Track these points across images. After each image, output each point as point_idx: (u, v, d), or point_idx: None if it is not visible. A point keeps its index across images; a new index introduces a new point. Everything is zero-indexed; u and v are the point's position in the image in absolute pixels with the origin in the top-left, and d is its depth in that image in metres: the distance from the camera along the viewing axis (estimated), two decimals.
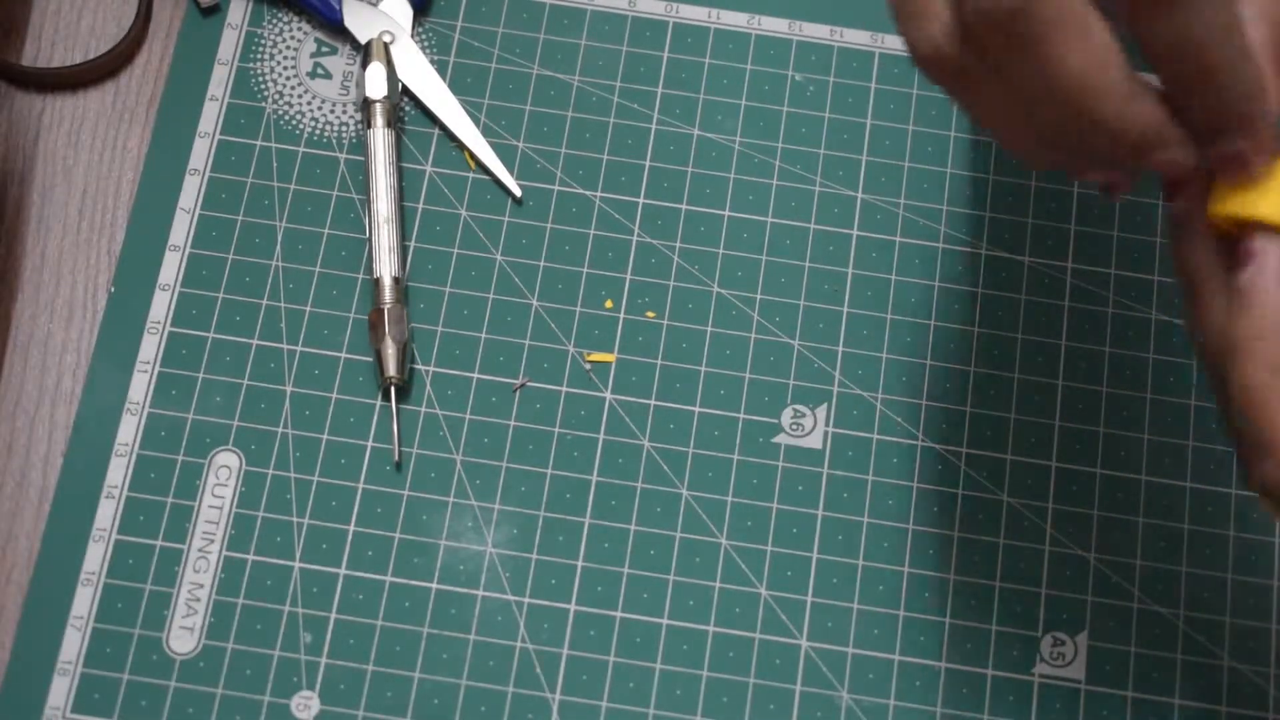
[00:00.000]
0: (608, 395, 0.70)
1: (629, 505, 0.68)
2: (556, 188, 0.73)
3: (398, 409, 0.69)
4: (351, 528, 0.68)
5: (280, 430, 0.69)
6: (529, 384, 0.70)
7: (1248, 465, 0.53)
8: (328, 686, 0.66)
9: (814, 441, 0.69)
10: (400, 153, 0.73)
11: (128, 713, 0.65)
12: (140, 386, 0.70)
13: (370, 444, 0.69)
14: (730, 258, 0.72)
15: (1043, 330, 0.71)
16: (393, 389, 0.69)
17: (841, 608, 0.67)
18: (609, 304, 0.71)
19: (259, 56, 0.75)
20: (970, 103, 0.54)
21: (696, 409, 0.69)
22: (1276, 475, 0.52)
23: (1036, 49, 0.51)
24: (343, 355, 0.70)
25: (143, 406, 0.69)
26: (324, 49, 0.76)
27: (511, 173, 0.73)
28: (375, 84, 0.73)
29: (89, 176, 0.73)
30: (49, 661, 0.66)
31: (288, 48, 0.75)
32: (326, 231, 0.72)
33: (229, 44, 0.75)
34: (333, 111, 0.74)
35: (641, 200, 0.73)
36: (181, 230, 0.72)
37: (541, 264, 0.72)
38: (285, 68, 0.75)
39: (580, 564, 0.68)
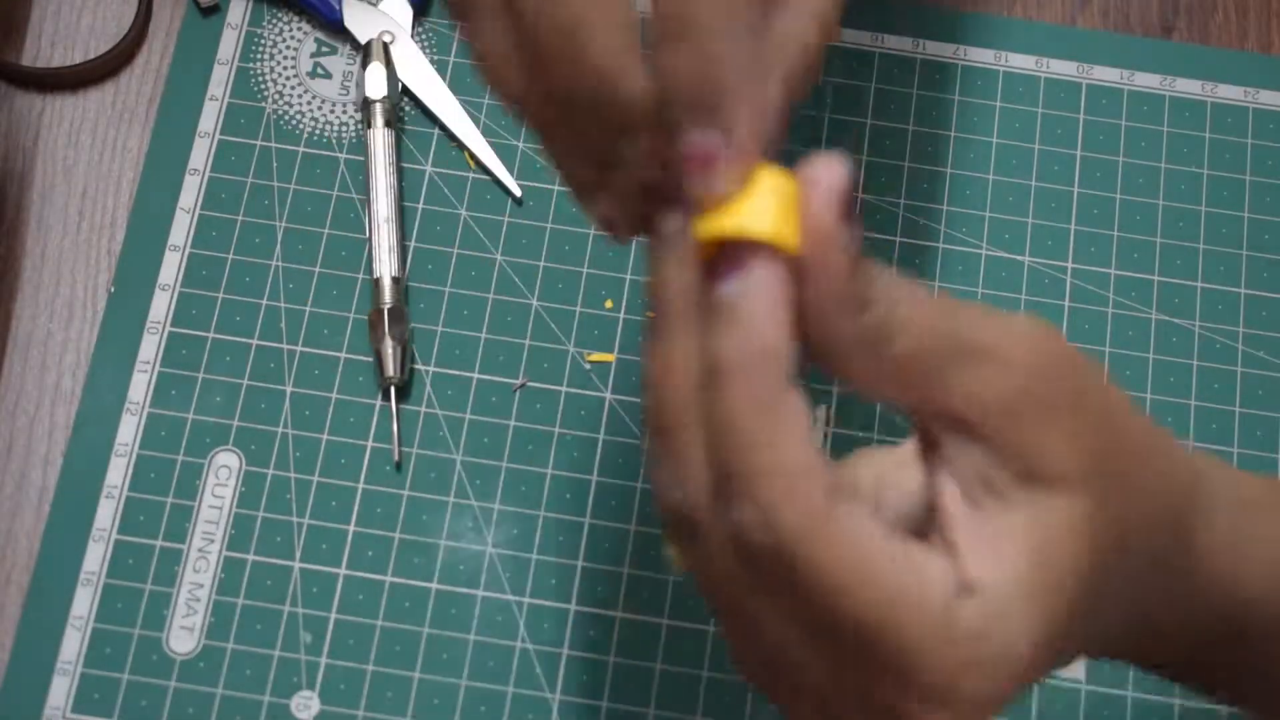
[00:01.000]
0: (608, 395, 0.70)
1: (629, 505, 0.68)
2: (556, 188, 0.73)
3: (398, 409, 0.69)
4: (351, 528, 0.68)
5: (280, 430, 0.69)
6: (529, 384, 0.70)
7: (688, 508, 0.45)
8: (328, 686, 0.66)
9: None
10: (400, 153, 0.73)
11: (128, 713, 0.65)
12: (140, 386, 0.70)
13: (370, 444, 0.69)
14: None
15: None
16: (393, 389, 0.69)
17: None
18: (609, 304, 0.71)
19: (259, 56, 0.75)
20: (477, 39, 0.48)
21: None
22: (756, 518, 0.43)
23: None
24: (343, 355, 0.70)
25: (143, 406, 0.69)
26: (324, 49, 0.75)
27: (511, 173, 0.73)
28: (375, 84, 0.73)
29: (89, 176, 0.73)
30: (49, 661, 0.66)
31: (288, 48, 0.75)
32: (326, 231, 0.72)
33: (229, 44, 0.75)
34: (333, 111, 0.74)
35: None
36: (181, 230, 0.72)
37: (541, 264, 0.72)
38: (285, 68, 0.75)
39: (580, 564, 0.68)
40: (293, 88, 0.75)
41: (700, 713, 0.66)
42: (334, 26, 0.75)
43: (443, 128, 0.74)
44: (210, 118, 0.74)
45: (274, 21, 0.76)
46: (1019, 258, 0.72)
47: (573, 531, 0.68)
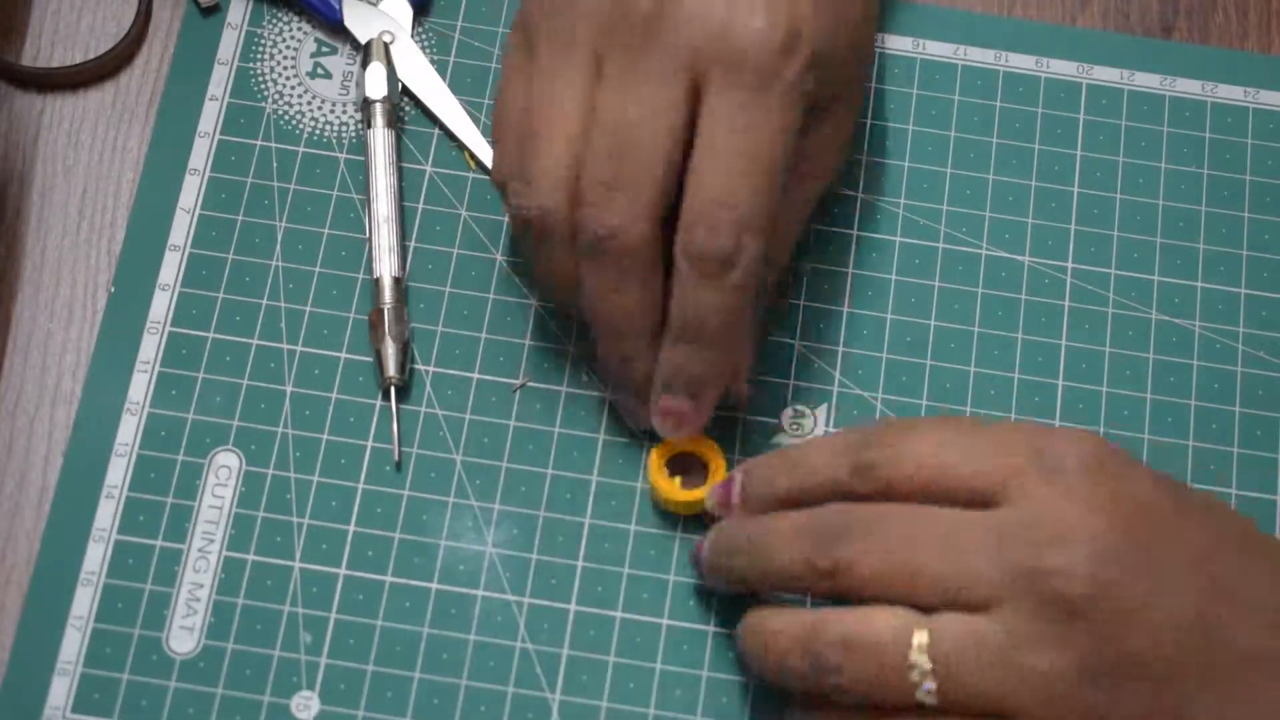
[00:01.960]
0: (608, 395, 0.70)
1: (629, 506, 0.68)
2: None
3: (398, 409, 0.69)
4: (351, 528, 0.68)
5: (280, 430, 0.69)
6: (529, 384, 0.70)
7: None
8: (328, 686, 0.66)
9: None
10: (400, 153, 0.73)
11: (128, 713, 0.65)
12: (140, 386, 0.70)
13: (370, 444, 0.69)
14: None
15: (1043, 330, 0.71)
16: (393, 389, 0.69)
17: None
18: None
19: (259, 56, 0.75)
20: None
21: None
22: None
23: (607, 275, 0.64)
24: (343, 355, 0.70)
25: (143, 406, 0.69)
26: (324, 49, 0.75)
27: None
28: (375, 84, 0.73)
29: (89, 176, 0.73)
30: (49, 661, 0.66)
31: (288, 48, 0.75)
32: (326, 231, 0.72)
33: (229, 44, 0.75)
34: (333, 111, 0.74)
35: None
36: (181, 230, 0.72)
37: None
38: (285, 68, 0.75)
39: (580, 564, 0.68)
40: (293, 88, 0.75)
41: (700, 713, 0.66)
42: (334, 26, 0.75)
43: (443, 128, 0.74)
44: (210, 118, 0.74)
45: (274, 21, 0.76)
46: (1019, 258, 0.72)
47: (573, 531, 0.68)
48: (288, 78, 0.75)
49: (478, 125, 0.74)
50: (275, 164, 0.73)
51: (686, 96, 0.63)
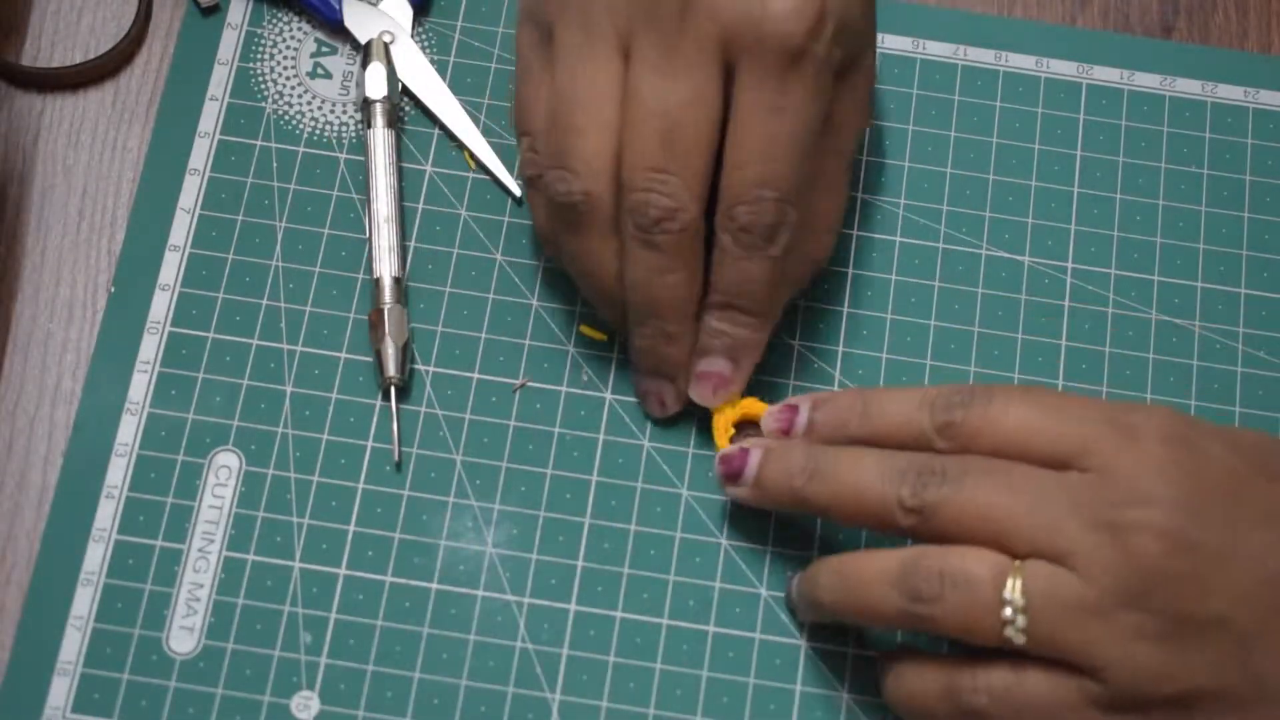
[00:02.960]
0: (608, 395, 0.70)
1: (629, 505, 0.68)
2: None
3: (398, 409, 0.69)
4: (351, 528, 0.68)
5: (280, 430, 0.69)
6: (529, 384, 0.70)
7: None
8: (328, 686, 0.66)
9: None
10: (400, 153, 0.73)
11: (128, 713, 0.65)
12: (140, 386, 0.70)
13: (370, 444, 0.69)
14: None
15: (1043, 330, 0.71)
16: (393, 389, 0.69)
17: None
18: None
19: (259, 56, 0.75)
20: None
21: (697, 409, 0.69)
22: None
23: (655, 257, 0.65)
24: (343, 355, 0.70)
25: (143, 406, 0.69)
26: (324, 49, 0.75)
27: (511, 173, 0.73)
28: (375, 84, 0.73)
29: (89, 176, 0.73)
30: (49, 661, 0.66)
31: (288, 48, 0.75)
32: (326, 231, 0.72)
33: (229, 44, 0.75)
34: (333, 111, 0.74)
35: None
36: (181, 230, 0.72)
37: (541, 264, 0.72)
38: (285, 68, 0.75)
39: (580, 564, 0.68)
40: (293, 88, 0.75)
41: (700, 713, 0.66)
42: (334, 26, 0.75)
43: (443, 128, 0.74)
44: (210, 118, 0.74)
45: (274, 21, 0.76)
46: (1019, 258, 0.72)
47: (573, 531, 0.68)
48: (288, 78, 0.75)
49: (478, 125, 0.74)
50: (275, 164, 0.73)
51: (720, 77, 0.64)
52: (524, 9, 0.68)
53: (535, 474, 0.69)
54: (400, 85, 0.74)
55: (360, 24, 0.75)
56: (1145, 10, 0.77)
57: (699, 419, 0.69)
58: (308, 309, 0.71)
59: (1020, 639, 0.59)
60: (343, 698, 0.66)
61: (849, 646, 0.67)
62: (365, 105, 0.73)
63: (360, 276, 0.72)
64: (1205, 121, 0.75)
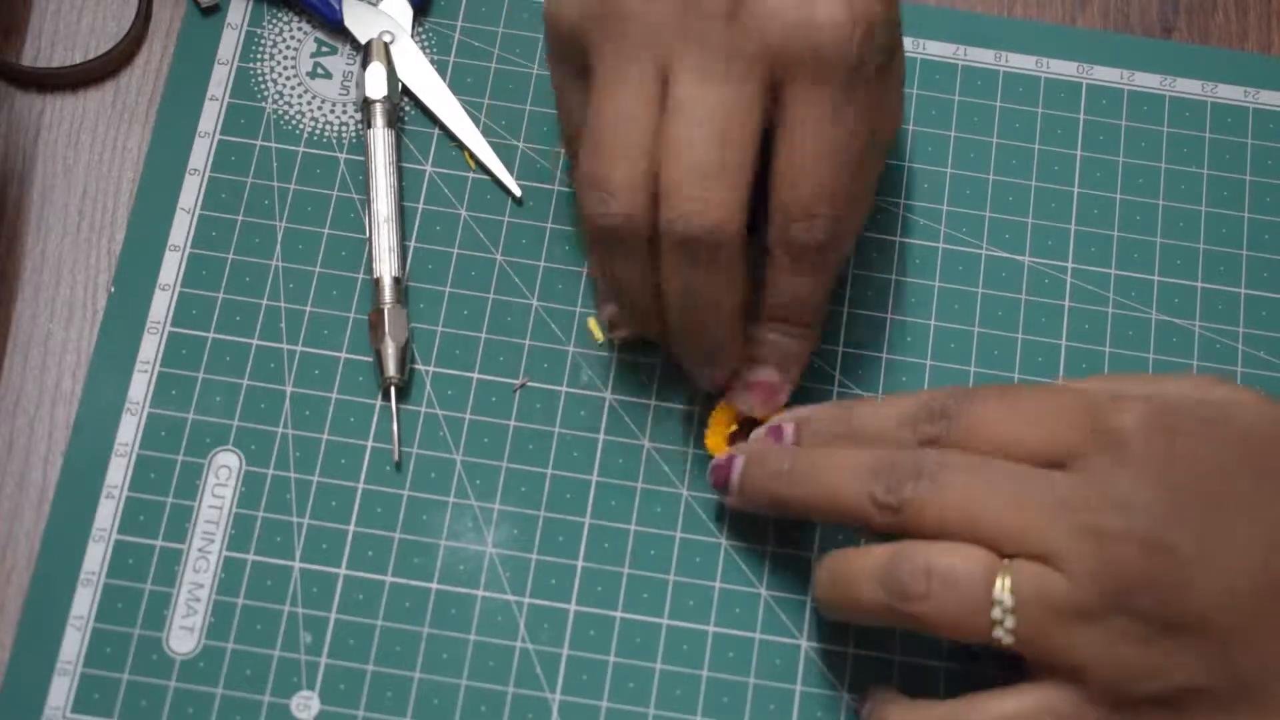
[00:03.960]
0: (608, 395, 0.70)
1: (629, 505, 0.68)
2: (556, 187, 0.73)
3: (398, 409, 0.69)
4: (351, 528, 0.68)
5: (280, 430, 0.69)
6: (529, 384, 0.70)
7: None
8: (328, 686, 0.66)
9: None
10: (400, 153, 0.73)
11: (128, 713, 0.65)
12: (140, 386, 0.70)
13: (370, 444, 0.69)
14: None
15: (1043, 330, 0.71)
16: (393, 389, 0.69)
17: None
18: None
19: (259, 56, 0.75)
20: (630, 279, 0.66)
21: (697, 409, 0.69)
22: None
23: (701, 271, 0.64)
24: (343, 355, 0.70)
25: (143, 406, 0.69)
26: (324, 49, 0.75)
27: (511, 173, 0.73)
28: (375, 84, 0.73)
29: (89, 176, 0.73)
30: (49, 661, 0.66)
31: (288, 48, 0.75)
32: (326, 231, 0.72)
33: (229, 44, 0.75)
34: (333, 111, 0.74)
35: None
36: (181, 230, 0.72)
37: (541, 264, 0.72)
38: (285, 68, 0.75)
39: (580, 564, 0.68)
40: (293, 88, 0.75)
41: (700, 713, 0.66)
42: (334, 26, 0.75)
43: (443, 128, 0.74)
44: (210, 118, 0.74)
45: (274, 21, 0.76)
46: (1019, 258, 0.72)
47: (573, 531, 0.68)
48: (288, 78, 0.75)
49: (478, 125, 0.74)
50: (275, 164, 0.73)
51: (764, 90, 0.63)
52: (553, 29, 0.67)
53: (535, 474, 0.69)
54: (400, 85, 0.74)
55: (360, 24, 0.75)
56: (1145, 10, 0.77)
57: (699, 419, 0.69)
58: (308, 309, 0.71)
59: (1009, 639, 0.59)
60: (343, 698, 0.66)
61: (849, 646, 0.67)
62: (365, 105, 0.73)
63: (360, 276, 0.72)
64: (1205, 121, 0.75)
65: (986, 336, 0.71)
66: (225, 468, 0.69)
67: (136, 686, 0.66)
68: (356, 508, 0.68)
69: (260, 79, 0.75)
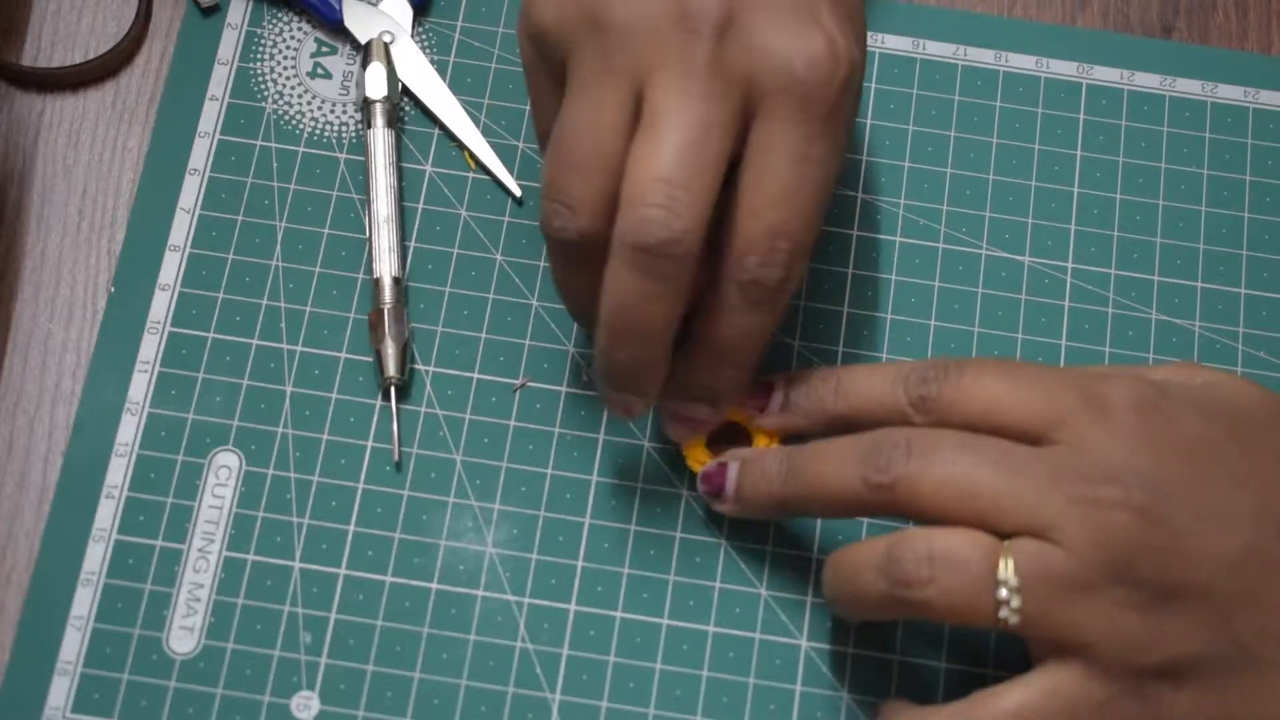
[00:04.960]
0: (602, 388, 0.70)
1: (629, 505, 0.68)
2: None
3: (398, 409, 0.69)
4: (351, 528, 0.68)
5: (280, 430, 0.69)
6: (529, 384, 0.70)
7: None
8: (328, 686, 0.66)
9: None
10: (400, 153, 0.73)
11: (128, 713, 0.65)
12: (140, 386, 0.70)
13: (370, 444, 0.69)
14: None
15: (1043, 330, 0.71)
16: (393, 389, 0.69)
17: None
18: None
19: (259, 56, 0.75)
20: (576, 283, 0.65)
21: None
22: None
23: (646, 283, 0.62)
24: (343, 355, 0.70)
25: (143, 406, 0.69)
26: (324, 49, 0.76)
27: (511, 173, 0.73)
28: (375, 84, 0.73)
29: (89, 176, 0.73)
30: (49, 661, 0.66)
31: (288, 48, 0.75)
32: (326, 231, 0.72)
33: (229, 44, 0.75)
34: (333, 111, 0.74)
35: None
36: (181, 230, 0.72)
37: (541, 264, 0.72)
38: (285, 68, 0.75)
39: (580, 564, 0.68)
40: (293, 88, 0.75)
41: (700, 713, 0.66)
42: (334, 26, 0.75)
43: (443, 128, 0.74)
44: (210, 118, 0.74)
45: (274, 21, 0.76)
46: (1019, 258, 0.72)
47: (573, 531, 0.68)
48: (288, 78, 0.75)
49: (478, 125, 0.74)
50: (275, 164, 0.73)
51: (739, 116, 0.62)
52: (530, 28, 0.65)
53: (535, 474, 0.69)
54: (400, 85, 0.74)
55: (360, 24, 0.75)
56: (1145, 10, 0.77)
57: None
58: (308, 309, 0.71)
59: (1015, 619, 0.59)
60: (343, 698, 0.66)
61: (849, 646, 0.67)
62: (365, 105, 0.73)
63: (360, 276, 0.72)
64: (1205, 121, 0.75)
65: (986, 336, 0.71)
66: (225, 468, 0.69)
67: (136, 686, 0.66)
68: (356, 508, 0.68)
69: (260, 79, 0.75)
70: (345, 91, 0.75)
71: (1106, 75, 0.75)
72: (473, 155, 0.74)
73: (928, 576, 0.59)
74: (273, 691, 0.66)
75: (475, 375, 0.70)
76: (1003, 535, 0.59)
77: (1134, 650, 0.58)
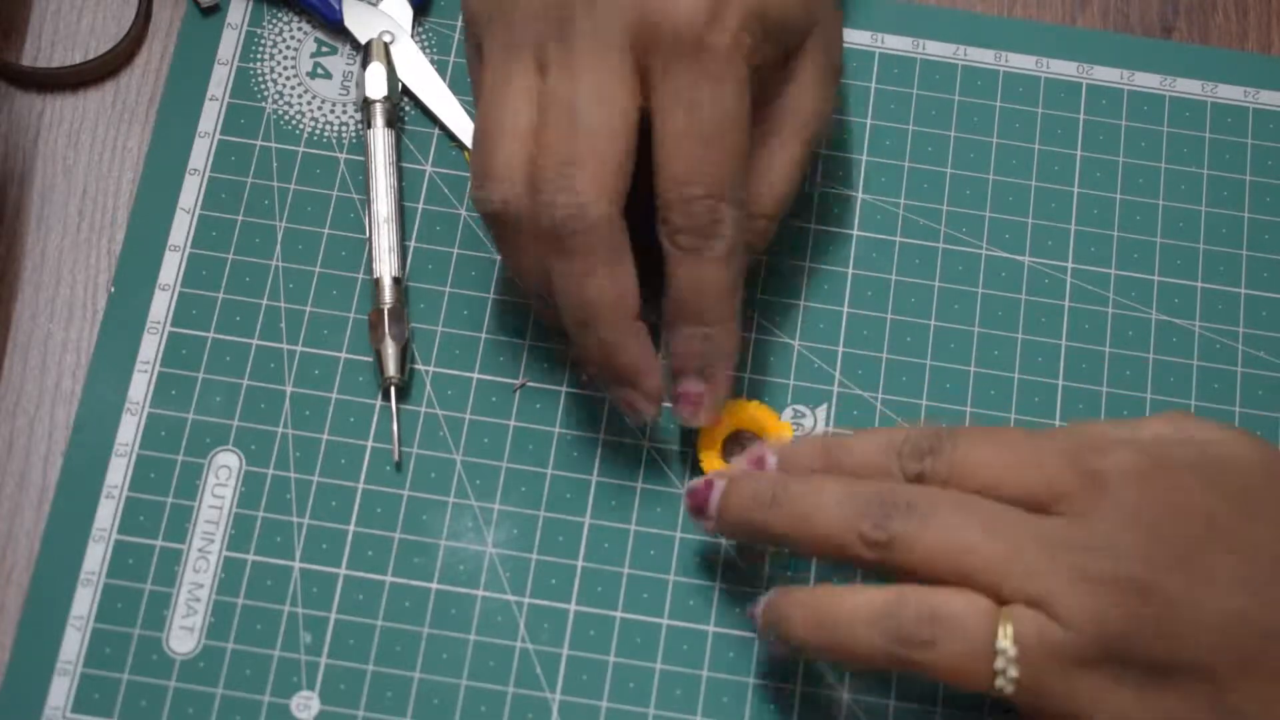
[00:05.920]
0: (608, 395, 0.70)
1: (629, 505, 0.68)
2: None
3: (398, 409, 0.69)
4: (351, 528, 0.68)
5: (280, 430, 0.69)
6: (529, 384, 0.70)
7: None
8: (328, 686, 0.66)
9: None
10: (400, 153, 0.73)
11: (128, 713, 0.65)
12: (140, 386, 0.70)
13: (370, 444, 0.69)
14: None
15: (1043, 330, 0.71)
16: (393, 389, 0.69)
17: None
18: None
19: (259, 56, 0.75)
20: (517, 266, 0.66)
21: None
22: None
23: (572, 260, 0.63)
24: (343, 355, 0.70)
25: (143, 406, 0.69)
26: (324, 49, 0.76)
27: None
28: (375, 84, 0.73)
29: (89, 176, 0.73)
30: (49, 661, 0.66)
31: (288, 48, 0.75)
32: (326, 231, 0.72)
33: (229, 44, 0.75)
34: (333, 111, 0.74)
35: None
36: (181, 230, 0.72)
37: None
38: (285, 68, 0.75)
39: (580, 564, 0.68)
40: (293, 88, 0.75)
41: (700, 713, 0.66)
42: (334, 26, 0.75)
43: (443, 128, 0.74)
44: (210, 118, 0.74)
45: (274, 21, 0.76)
46: (1019, 258, 0.72)
47: (573, 531, 0.68)
48: (288, 78, 0.75)
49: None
50: (275, 164, 0.73)
51: (633, 77, 0.63)
52: (464, 20, 0.68)
53: (535, 474, 0.69)
54: (400, 85, 0.74)
55: (360, 24, 0.75)
56: (1145, 10, 0.77)
57: None
58: (308, 309, 0.71)
59: (1010, 688, 0.58)
60: (343, 698, 0.66)
61: None
62: (365, 105, 0.73)
63: (360, 276, 0.72)
64: (1205, 121, 0.75)
65: (986, 336, 0.71)
66: (225, 468, 0.69)
67: (136, 686, 0.66)
68: (356, 508, 0.68)
69: (260, 79, 0.75)
70: (345, 91, 0.75)
71: (1106, 75, 0.75)
72: None
73: (929, 638, 0.58)
74: (273, 691, 0.66)
75: (475, 375, 0.70)
76: (1000, 601, 0.58)
77: None
